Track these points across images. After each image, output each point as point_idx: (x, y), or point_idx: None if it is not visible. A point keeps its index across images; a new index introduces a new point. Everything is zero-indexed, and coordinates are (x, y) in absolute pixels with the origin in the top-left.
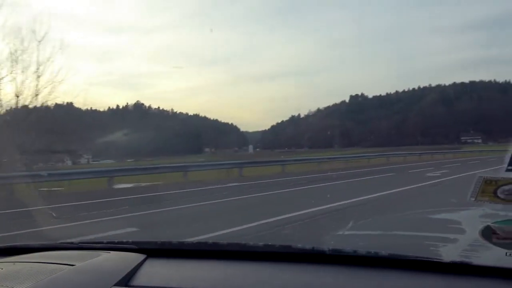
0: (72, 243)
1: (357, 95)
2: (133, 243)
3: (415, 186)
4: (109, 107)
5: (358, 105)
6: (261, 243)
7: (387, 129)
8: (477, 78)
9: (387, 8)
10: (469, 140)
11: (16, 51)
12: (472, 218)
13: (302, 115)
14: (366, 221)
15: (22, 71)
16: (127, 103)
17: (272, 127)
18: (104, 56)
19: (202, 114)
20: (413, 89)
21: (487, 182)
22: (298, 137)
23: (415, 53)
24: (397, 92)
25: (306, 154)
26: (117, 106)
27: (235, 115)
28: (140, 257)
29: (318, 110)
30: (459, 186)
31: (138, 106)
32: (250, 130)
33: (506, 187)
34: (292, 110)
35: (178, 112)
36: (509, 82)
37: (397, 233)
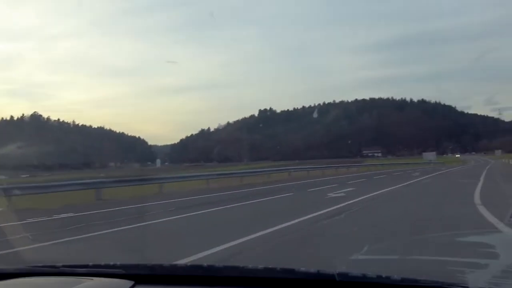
0: (54, 266)
1: (266, 109)
2: (121, 266)
3: (311, 216)
4: (2, 118)
5: (267, 119)
6: (261, 267)
7: (295, 143)
8: (376, 95)
9: (296, 27)
10: (370, 154)
11: None
12: (508, 243)
13: (212, 129)
14: (383, 244)
15: None
16: (23, 114)
17: (182, 140)
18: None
19: (107, 127)
20: (319, 104)
21: None
22: (208, 151)
23: (321, 71)
24: (304, 107)
25: (211, 169)
26: (11, 117)
27: (143, 128)
28: (126, 284)
29: (228, 124)
30: (374, 216)
31: (35, 117)
32: (159, 143)
33: None
34: (202, 124)
35: (80, 124)
36: (405, 99)
37: (418, 257)
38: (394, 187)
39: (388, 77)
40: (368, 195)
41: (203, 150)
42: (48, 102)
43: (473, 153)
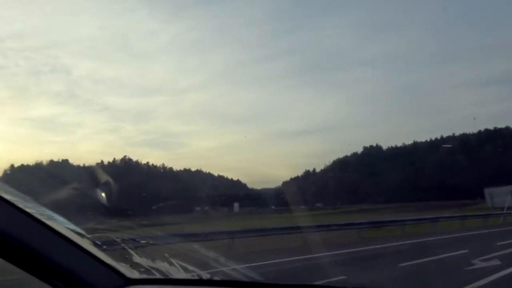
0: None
1: (371, 146)
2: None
3: None
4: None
5: (371, 156)
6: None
7: (399, 182)
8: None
9: (407, 66)
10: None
11: None
12: None
13: (318, 170)
14: None
15: None
16: (114, 158)
17: (284, 183)
18: None
19: (205, 170)
20: (436, 138)
21: None
22: (304, 192)
23: (435, 107)
24: (414, 142)
25: (286, 216)
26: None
27: (250, 172)
28: None
29: (333, 163)
30: None
31: (126, 161)
32: (258, 187)
33: None
34: (309, 165)
35: (177, 169)
36: None
37: None
38: None
39: None
40: None
41: (302, 193)
42: (180, 150)
43: None
